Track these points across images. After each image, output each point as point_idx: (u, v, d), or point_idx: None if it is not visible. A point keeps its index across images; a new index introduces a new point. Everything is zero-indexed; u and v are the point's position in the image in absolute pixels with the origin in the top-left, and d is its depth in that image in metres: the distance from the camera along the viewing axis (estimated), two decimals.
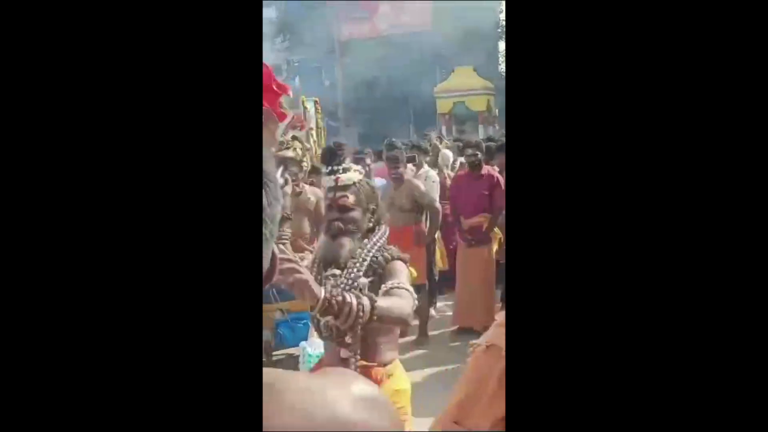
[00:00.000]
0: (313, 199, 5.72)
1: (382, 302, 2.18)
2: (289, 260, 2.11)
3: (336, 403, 0.73)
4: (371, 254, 2.42)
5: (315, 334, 4.73)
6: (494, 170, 6.13)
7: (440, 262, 6.54)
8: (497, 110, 18.28)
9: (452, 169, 7.60)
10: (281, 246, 3.61)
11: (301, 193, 5.67)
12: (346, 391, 0.75)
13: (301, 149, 5.02)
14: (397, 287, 2.30)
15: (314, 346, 4.69)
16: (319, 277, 2.47)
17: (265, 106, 3.47)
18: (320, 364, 2.60)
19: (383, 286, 2.33)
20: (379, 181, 6.32)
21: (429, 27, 21.77)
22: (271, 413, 0.69)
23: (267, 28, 25.29)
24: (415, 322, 5.92)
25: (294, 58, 25.19)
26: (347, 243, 2.42)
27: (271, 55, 25.58)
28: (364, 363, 2.41)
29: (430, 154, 7.58)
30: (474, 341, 1.51)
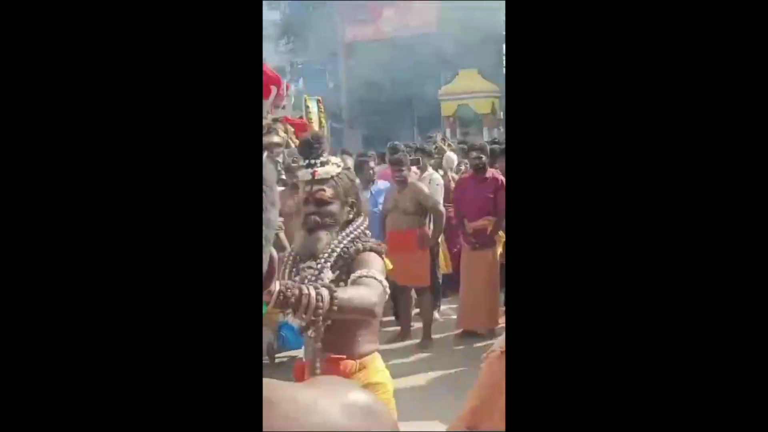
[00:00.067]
0: None
1: (343, 293, 2.11)
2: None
3: (330, 412, 0.72)
4: (341, 246, 2.39)
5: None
6: (498, 173, 6.12)
7: (444, 266, 6.52)
8: (502, 113, 18.27)
9: (456, 171, 7.59)
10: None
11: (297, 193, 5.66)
12: (340, 400, 0.74)
13: (285, 131, 4.92)
14: (366, 276, 2.26)
15: None
16: (294, 270, 2.46)
17: None
18: (301, 363, 2.52)
19: (351, 276, 2.29)
20: (382, 184, 6.33)
21: (434, 29, 21.78)
22: (265, 424, 0.68)
23: (271, 31, 25.39)
24: (410, 321, 5.92)
25: (298, 60, 25.26)
26: (324, 237, 2.40)
27: (275, 57, 25.65)
28: (332, 356, 2.36)
29: (435, 156, 7.57)
30: (491, 346, 1.50)
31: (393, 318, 6.47)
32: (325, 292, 2.06)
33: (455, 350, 5.70)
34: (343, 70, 24.21)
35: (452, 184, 6.86)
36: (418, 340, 5.84)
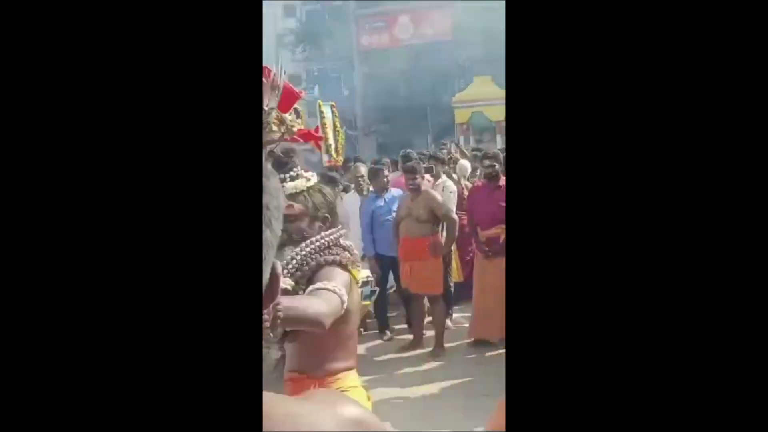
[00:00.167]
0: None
1: (288, 301, 2.01)
2: None
3: (323, 426, 0.72)
4: (300, 255, 2.29)
5: None
6: None
7: (455, 274, 6.51)
8: None
9: (470, 179, 7.58)
10: None
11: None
12: (334, 414, 0.74)
13: (278, 124, 4.81)
14: (321, 288, 2.15)
15: None
16: None
17: None
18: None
19: (309, 287, 2.20)
20: (396, 192, 6.33)
21: (450, 37, 21.82)
22: None
23: (287, 38, 25.54)
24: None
25: (314, 67, 25.37)
26: (289, 253, 2.31)
27: (291, 64, 25.79)
28: (295, 374, 2.29)
29: (448, 164, 7.57)
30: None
31: (405, 326, 6.47)
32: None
33: (467, 359, 5.68)
34: (359, 77, 24.28)
35: (465, 192, 6.84)
36: (430, 349, 5.83)
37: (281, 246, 2.35)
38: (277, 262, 0.79)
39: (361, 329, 6.39)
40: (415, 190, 5.78)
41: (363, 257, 6.39)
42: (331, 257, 2.29)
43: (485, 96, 17.74)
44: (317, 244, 2.31)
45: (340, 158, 8.37)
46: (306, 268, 2.28)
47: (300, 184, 2.39)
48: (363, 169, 6.98)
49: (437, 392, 4.97)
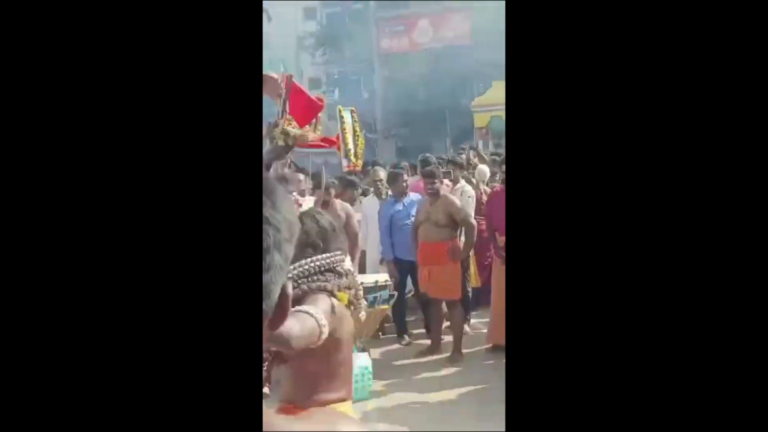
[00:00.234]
0: (342, 215, 5.72)
1: None
2: None
3: None
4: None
5: None
6: None
7: (473, 279, 6.49)
8: None
9: (488, 184, 7.56)
10: None
11: (329, 204, 5.67)
12: (330, 430, 0.73)
13: (282, 137, 4.73)
14: (297, 310, 2.10)
15: None
16: None
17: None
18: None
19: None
20: (414, 196, 6.32)
21: (469, 41, 21.77)
22: None
23: (308, 41, 25.62)
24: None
25: (334, 70, 25.42)
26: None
27: (311, 67, 25.85)
28: (284, 404, 2.23)
29: (467, 169, 7.55)
30: None
31: (423, 330, 6.45)
32: None
33: (485, 365, 5.65)
34: (379, 80, 24.30)
35: (484, 197, 6.82)
36: (448, 354, 5.81)
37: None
38: (288, 282, 0.78)
39: (380, 333, 6.39)
40: (434, 195, 5.78)
41: (381, 261, 6.39)
42: (317, 284, 2.22)
43: (504, 100, 17.59)
44: (304, 268, 2.24)
45: (360, 162, 8.38)
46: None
47: None
48: (382, 173, 6.98)
49: (455, 398, 4.95)
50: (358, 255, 6.04)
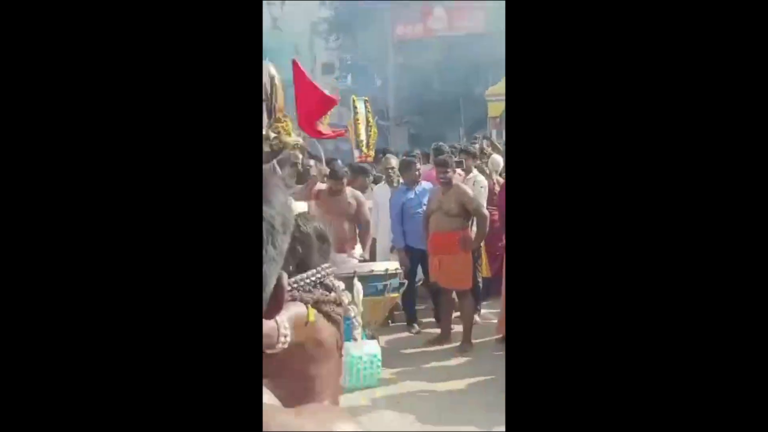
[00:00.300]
0: (353, 203, 5.70)
1: None
2: None
3: None
4: None
5: (358, 335, 4.76)
6: None
7: (483, 269, 6.48)
8: None
9: (501, 174, 7.53)
10: None
11: (340, 193, 5.66)
12: (328, 430, 0.72)
13: (278, 137, 4.66)
14: None
15: (357, 347, 4.71)
16: None
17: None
18: None
19: None
20: (426, 185, 6.31)
21: (484, 29, 21.66)
22: None
23: (322, 27, 25.57)
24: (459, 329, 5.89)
25: (347, 56, 25.37)
26: None
27: (324, 53, 25.82)
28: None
29: (480, 158, 7.52)
30: None
31: (433, 320, 6.46)
32: None
33: (495, 355, 5.65)
34: (392, 67, 24.23)
35: (497, 188, 6.80)
36: (457, 344, 5.81)
37: None
38: (283, 273, 0.78)
39: (389, 321, 6.40)
40: (446, 184, 5.76)
41: (392, 249, 6.39)
42: (300, 294, 2.12)
43: None
44: (300, 283, 2.13)
45: (372, 153, 8.37)
46: None
47: None
48: (393, 161, 6.97)
49: (464, 387, 4.95)
50: (369, 242, 6.03)
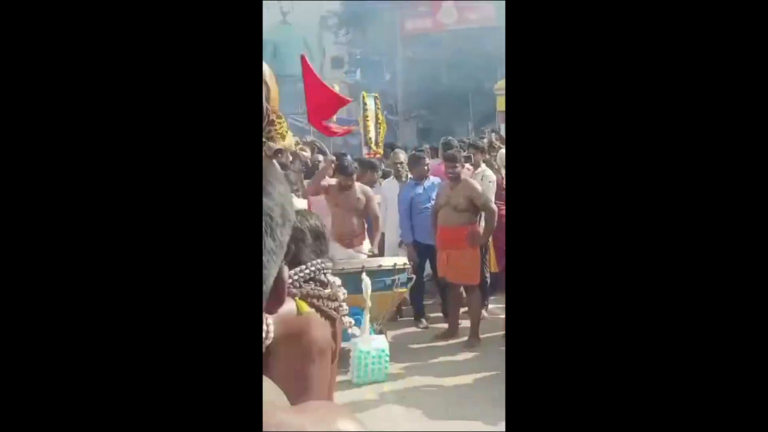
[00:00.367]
0: (362, 198, 5.70)
1: None
2: None
3: None
4: None
5: (368, 330, 4.76)
6: None
7: (492, 264, 6.47)
8: None
9: None
10: None
11: (350, 188, 5.66)
12: (329, 428, 0.72)
13: (278, 132, 4.62)
14: None
15: (365, 342, 4.72)
16: None
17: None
18: None
19: None
20: (435, 179, 6.30)
21: (493, 23, 21.57)
22: None
23: (331, 20, 25.53)
24: (466, 324, 5.90)
25: (356, 50, 25.33)
26: None
27: (334, 46, 25.79)
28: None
29: (488, 153, 7.50)
30: None
31: (441, 315, 6.46)
32: None
33: (502, 350, 5.65)
34: (401, 62, 24.18)
35: (505, 183, 6.79)
36: (465, 339, 5.81)
37: None
38: (284, 266, 0.77)
39: (397, 316, 6.41)
40: (455, 179, 5.75)
41: (400, 244, 6.39)
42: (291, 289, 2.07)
43: None
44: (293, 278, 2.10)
45: (380, 150, 8.36)
46: None
47: None
48: (402, 156, 6.96)
49: (471, 382, 4.96)
50: (378, 237, 6.04)
